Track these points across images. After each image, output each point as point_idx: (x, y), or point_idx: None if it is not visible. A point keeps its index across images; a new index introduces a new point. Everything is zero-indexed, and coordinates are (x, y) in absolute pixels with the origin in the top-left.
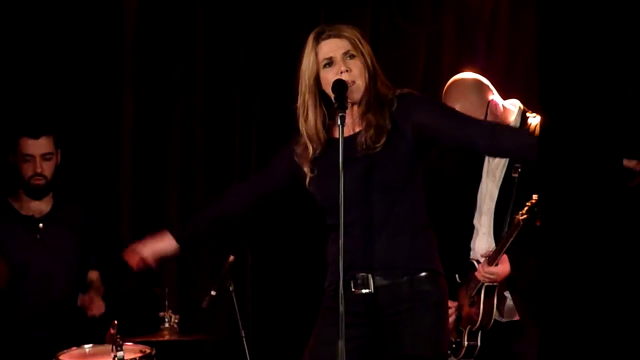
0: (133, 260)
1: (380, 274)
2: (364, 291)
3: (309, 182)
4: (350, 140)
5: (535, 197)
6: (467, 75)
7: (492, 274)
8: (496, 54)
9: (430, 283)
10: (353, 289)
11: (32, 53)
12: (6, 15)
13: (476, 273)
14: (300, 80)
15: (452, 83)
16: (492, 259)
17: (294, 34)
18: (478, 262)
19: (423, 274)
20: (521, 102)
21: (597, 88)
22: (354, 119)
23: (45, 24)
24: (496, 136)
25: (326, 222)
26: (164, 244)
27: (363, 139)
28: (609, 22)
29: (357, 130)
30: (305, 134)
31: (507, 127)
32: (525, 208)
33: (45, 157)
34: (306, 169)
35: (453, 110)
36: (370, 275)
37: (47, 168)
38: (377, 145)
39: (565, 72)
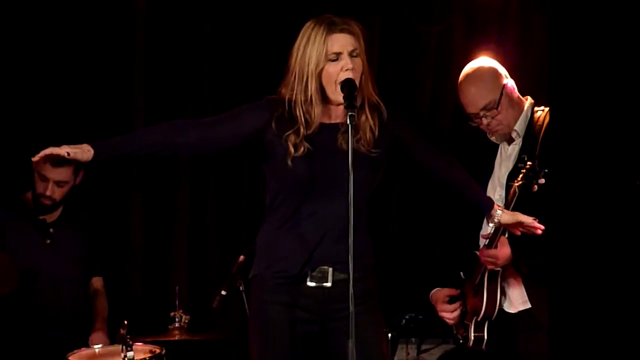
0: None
1: (339, 268)
2: (323, 284)
3: (291, 160)
4: (333, 129)
5: (529, 163)
6: (482, 61)
7: (492, 257)
8: (506, 53)
9: (375, 279)
10: (309, 282)
11: (50, 61)
12: (26, 26)
13: (482, 260)
14: (299, 65)
15: (468, 67)
16: (491, 241)
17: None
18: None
19: (370, 271)
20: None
21: (607, 87)
22: (338, 110)
23: (60, 34)
24: (453, 168)
25: (278, 207)
26: (81, 153)
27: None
28: (619, 21)
29: (338, 121)
30: (302, 118)
31: (462, 168)
32: (520, 175)
33: (59, 183)
34: (291, 148)
35: (422, 136)
36: (330, 269)
37: (59, 193)
38: (362, 149)
39: (575, 71)
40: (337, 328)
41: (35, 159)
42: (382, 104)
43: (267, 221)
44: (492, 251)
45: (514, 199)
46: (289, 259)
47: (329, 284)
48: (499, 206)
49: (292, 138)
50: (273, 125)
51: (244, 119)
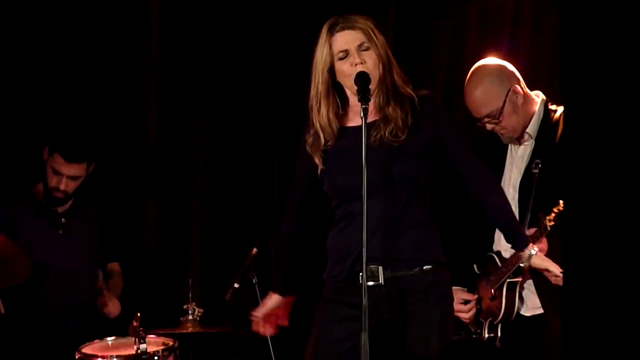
0: (265, 329)
1: (389, 266)
2: (372, 283)
3: (320, 172)
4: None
5: (562, 203)
6: (491, 61)
7: (542, 250)
8: (519, 47)
9: (438, 274)
10: (361, 281)
11: (64, 57)
12: (41, 23)
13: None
14: (313, 72)
15: (475, 68)
16: (534, 238)
17: (316, 32)
18: (498, 255)
19: (431, 266)
20: (545, 96)
21: (621, 85)
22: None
23: (75, 32)
24: (491, 188)
25: (332, 211)
26: (275, 302)
27: (382, 132)
28: (633, 18)
29: (370, 119)
30: (317, 125)
31: (500, 190)
32: (553, 214)
33: (72, 178)
34: (317, 160)
35: (466, 142)
36: (380, 267)
37: (72, 186)
38: (397, 140)
39: (589, 66)
40: (391, 325)
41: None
42: (412, 92)
43: (330, 229)
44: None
45: (543, 234)
46: (340, 262)
47: (380, 282)
48: (533, 246)
49: (313, 150)
50: (308, 149)
51: (304, 164)
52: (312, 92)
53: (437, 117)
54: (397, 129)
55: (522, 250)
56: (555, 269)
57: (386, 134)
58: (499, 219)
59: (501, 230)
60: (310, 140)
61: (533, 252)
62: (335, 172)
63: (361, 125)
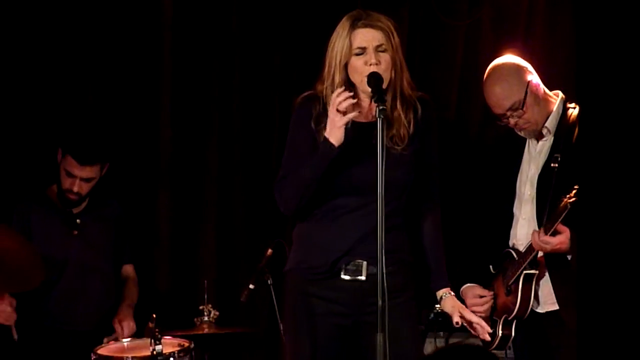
0: None
1: (373, 262)
2: (357, 277)
3: None
4: (367, 128)
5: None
6: (506, 58)
7: (546, 243)
8: (534, 47)
9: (411, 273)
10: (343, 275)
11: (75, 54)
12: (55, 22)
13: (532, 240)
14: (328, 59)
15: (492, 67)
16: (547, 229)
17: (330, 29)
18: (515, 249)
19: (405, 265)
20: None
21: (635, 84)
22: (372, 109)
23: (88, 27)
24: (429, 215)
25: (312, 202)
26: None
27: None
28: None
29: (372, 120)
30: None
31: (438, 223)
32: (574, 191)
33: (86, 180)
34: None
35: (437, 163)
36: (365, 262)
37: (85, 188)
38: (394, 148)
39: (603, 65)
40: (370, 322)
41: None
42: (417, 101)
43: (304, 220)
44: (548, 238)
45: (563, 214)
46: (323, 253)
47: (363, 278)
48: (450, 292)
49: (322, 133)
50: (313, 125)
51: (302, 143)
52: (328, 80)
53: (428, 127)
54: (398, 137)
55: (437, 290)
56: (471, 316)
57: (387, 138)
58: (431, 252)
59: (428, 263)
60: (318, 126)
61: (445, 295)
62: (337, 162)
63: (366, 123)
